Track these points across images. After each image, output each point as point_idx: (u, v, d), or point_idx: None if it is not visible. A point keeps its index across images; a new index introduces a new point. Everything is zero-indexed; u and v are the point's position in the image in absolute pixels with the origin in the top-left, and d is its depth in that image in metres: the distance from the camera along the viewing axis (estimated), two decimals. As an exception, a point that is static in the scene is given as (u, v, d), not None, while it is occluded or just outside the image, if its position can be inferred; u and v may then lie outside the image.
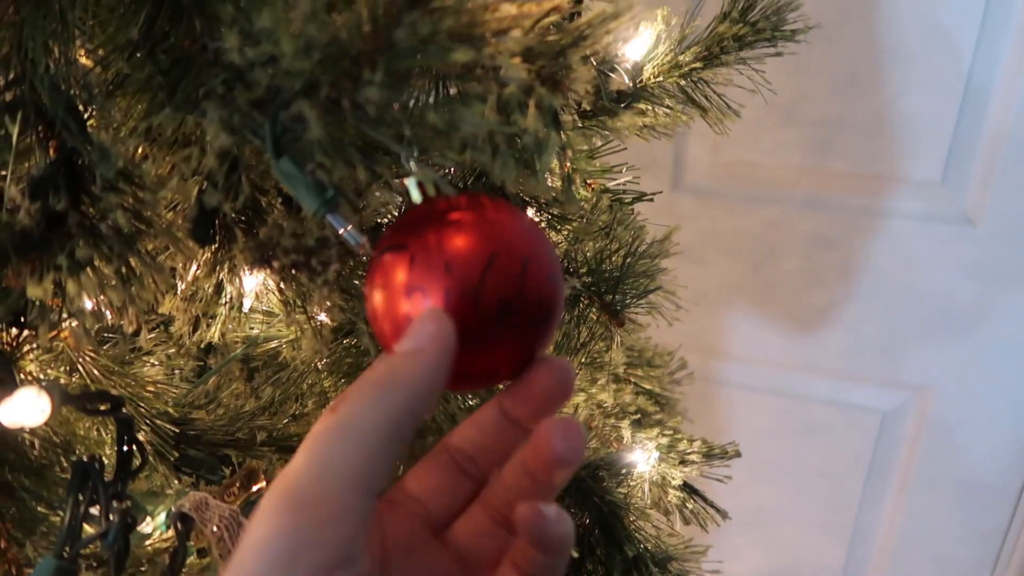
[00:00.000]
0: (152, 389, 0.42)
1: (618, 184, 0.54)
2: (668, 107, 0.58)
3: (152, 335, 0.42)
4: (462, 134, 0.28)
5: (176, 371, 0.48)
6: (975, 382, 1.16)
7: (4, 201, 0.27)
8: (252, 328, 0.45)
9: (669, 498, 0.52)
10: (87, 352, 0.34)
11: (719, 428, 1.32)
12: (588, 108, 0.51)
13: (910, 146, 1.06)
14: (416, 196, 0.30)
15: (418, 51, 0.25)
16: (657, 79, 0.56)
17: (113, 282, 0.26)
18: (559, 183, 0.33)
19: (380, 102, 0.25)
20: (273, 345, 0.46)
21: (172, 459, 0.40)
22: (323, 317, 0.44)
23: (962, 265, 1.10)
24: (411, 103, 0.26)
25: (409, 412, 0.22)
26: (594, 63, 0.46)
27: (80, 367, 0.35)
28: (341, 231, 0.30)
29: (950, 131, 1.04)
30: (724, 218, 1.19)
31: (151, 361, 0.45)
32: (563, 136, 0.32)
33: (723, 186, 1.17)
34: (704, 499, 0.54)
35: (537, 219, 0.47)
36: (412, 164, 0.29)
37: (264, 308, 0.45)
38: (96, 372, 0.37)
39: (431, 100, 0.26)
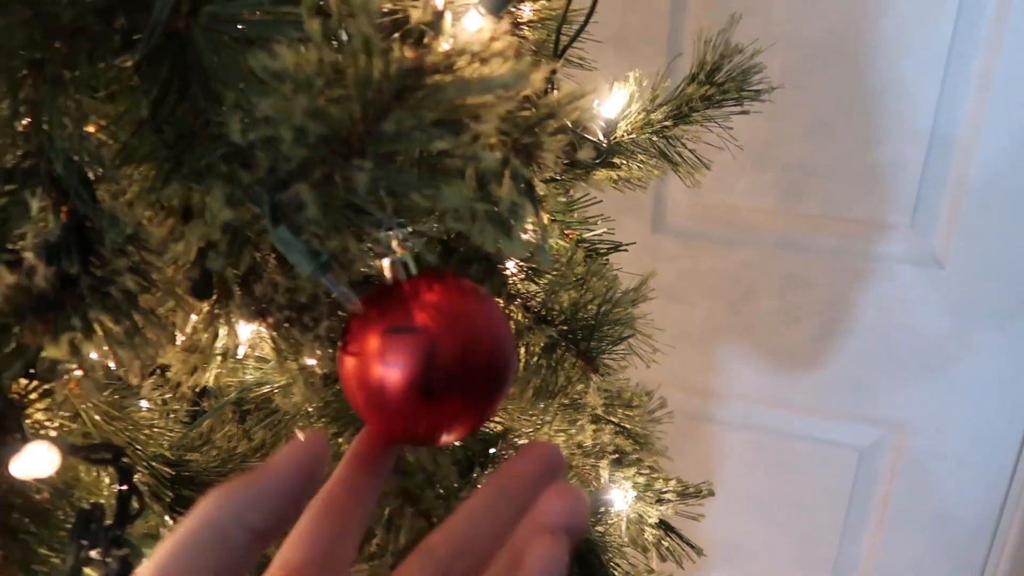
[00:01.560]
0: (148, 432, 0.44)
1: (595, 234, 0.57)
2: (641, 161, 0.61)
3: (150, 380, 0.45)
4: (444, 207, 0.31)
5: (170, 414, 0.50)
6: (948, 418, 1.19)
7: (23, 266, 0.30)
8: (246, 374, 0.47)
9: (646, 535, 0.54)
10: (90, 399, 0.36)
11: (700, 464, 1.34)
12: (563, 166, 0.54)
13: (879, 191, 1.11)
14: (388, 275, 0.34)
15: (403, 138, 0.28)
16: (630, 135, 0.60)
17: (122, 340, 0.29)
18: (535, 238, 0.36)
19: (369, 184, 0.28)
20: (265, 390, 0.48)
21: (168, 500, 0.42)
22: (313, 362, 0.46)
23: (932, 304, 1.14)
24: (397, 182, 0.29)
25: (233, 517, 0.23)
26: (570, 125, 0.49)
27: (83, 414, 0.37)
28: (335, 292, 0.33)
29: (917, 176, 1.08)
30: (704, 259, 1.23)
31: (147, 405, 0.47)
32: (537, 203, 0.35)
33: (702, 228, 1.21)
34: (680, 536, 0.56)
35: (516, 271, 0.50)
36: (393, 243, 0.33)
37: (257, 355, 0.47)
38: (97, 418, 0.39)
39: (415, 179, 0.29)
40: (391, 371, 0.31)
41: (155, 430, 0.45)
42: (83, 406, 0.37)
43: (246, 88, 0.31)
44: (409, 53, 0.29)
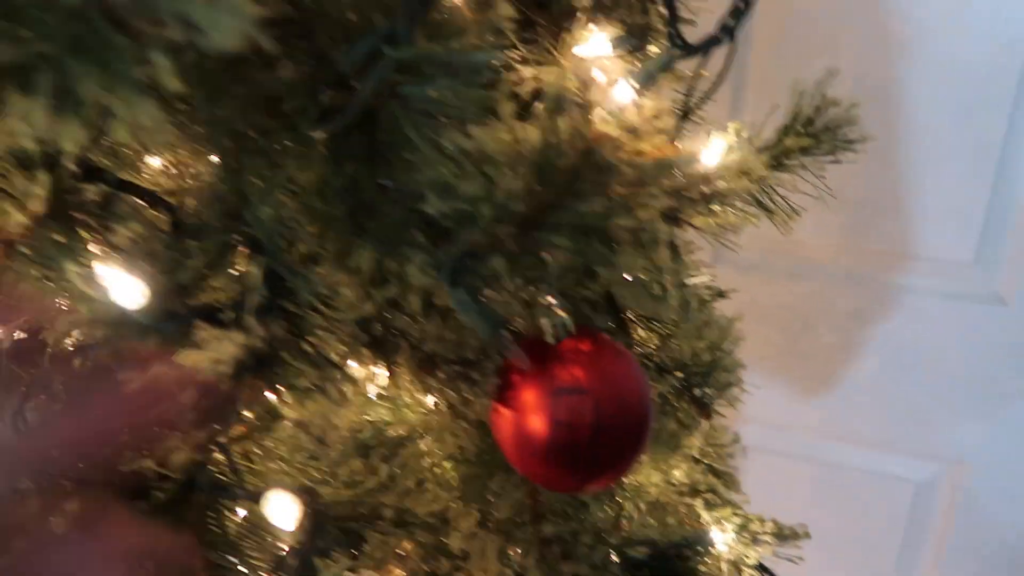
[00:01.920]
0: (289, 469, 0.47)
1: (696, 280, 0.59)
2: (739, 209, 0.63)
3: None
4: (615, 275, 0.33)
5: (300, 451, 0.52)
6: (1007, 457, 1.19)
7: (240, 326, 0.33)
8: (379, 413, 0.50)
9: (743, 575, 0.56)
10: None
11: (756, 495, 1.34)
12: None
13: (943, 227, 1.12)
14: (549, 335, 0.37)
15: (593, 214, 0.31)
16: (728, 184, 0.62)
17: (332, 396, 0.31)
18: (682, 298, 0.39)
19: (563, 260, 0.30)
20: (393, 433, 0.50)
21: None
22: (431, 399, 0.48)
23: (994, 343, 1.14)
24: (582, 253, 0.32)
25: None
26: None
27: (255, 458, 0.40)
28: (505, 351, 0.35)
29: (982, 213, 1.09)
30: (764, 291, 1.24)
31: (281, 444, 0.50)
32: (682, 264, 0.38)
33: (762, 260, 1.22)
34: (775, 577, 0.57)
35: (632, 318, 0.52)
36: (554, 308, 0.36)
37: (386, 395, 0.49)
38: (260, 453, 0.42)
39: (600, 251, 0.31)
40: (559, 428, 0.34)
41: (297, 467, 0.47)
42: (254, 448, 0.40)
43: (437, 163, 0.33)
44: (596, 134, 0.32)
